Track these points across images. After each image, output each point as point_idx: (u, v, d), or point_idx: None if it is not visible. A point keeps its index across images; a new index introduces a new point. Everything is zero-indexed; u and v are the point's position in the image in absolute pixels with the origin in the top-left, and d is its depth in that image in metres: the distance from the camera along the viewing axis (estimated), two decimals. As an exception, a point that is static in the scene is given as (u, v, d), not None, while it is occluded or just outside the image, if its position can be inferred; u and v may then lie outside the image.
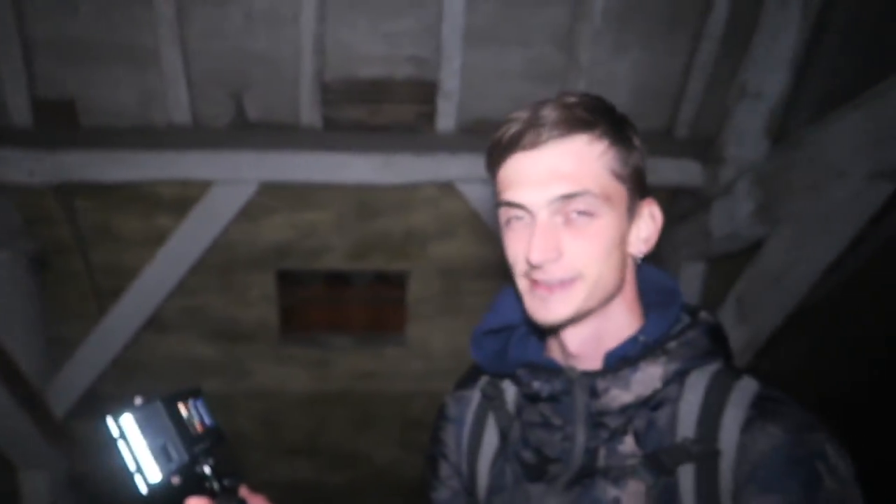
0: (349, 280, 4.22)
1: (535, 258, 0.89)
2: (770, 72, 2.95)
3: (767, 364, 3.74)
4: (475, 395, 1.17)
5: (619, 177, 0.92)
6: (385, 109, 3.37)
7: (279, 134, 3.31)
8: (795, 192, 2.73)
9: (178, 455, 0.96)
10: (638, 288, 1.02)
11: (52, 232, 3.41)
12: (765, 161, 2.98)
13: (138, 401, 0.96)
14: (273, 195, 3.43)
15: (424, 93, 3.34)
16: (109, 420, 0.94)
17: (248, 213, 3.45)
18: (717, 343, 0.96)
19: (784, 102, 3.02)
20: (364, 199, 3.49)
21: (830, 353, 4.42)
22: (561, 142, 0.89)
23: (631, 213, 0.95)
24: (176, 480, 0.96)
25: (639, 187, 0.96)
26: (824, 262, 2.78)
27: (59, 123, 3.13)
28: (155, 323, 3.80)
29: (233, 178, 3.20)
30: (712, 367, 0.95)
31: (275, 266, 3.77)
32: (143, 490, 0.93)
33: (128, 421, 0.94)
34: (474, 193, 3.34)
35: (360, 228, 3.63)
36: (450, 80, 3.20)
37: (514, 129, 0.91)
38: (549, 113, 0.89)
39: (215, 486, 1.03)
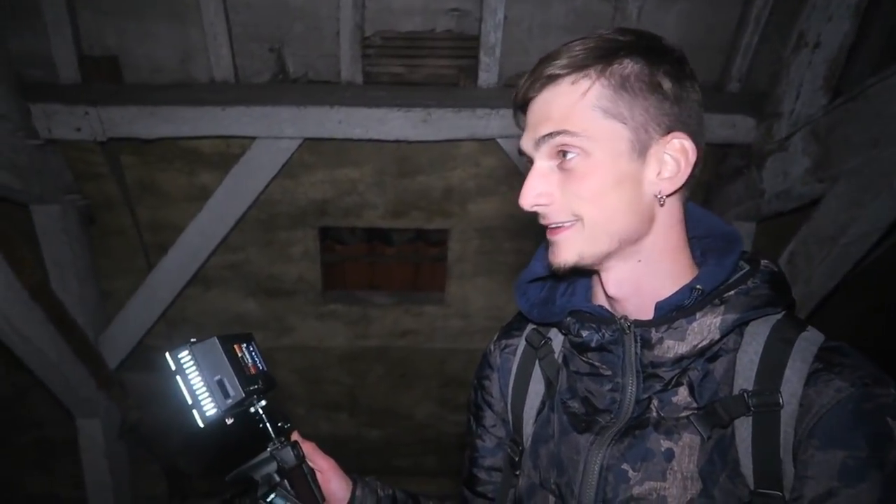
0: (389, 238, 4.23)
1: (521, 202, 0.93)
2: (830, 20, 2.78)
3: (819, 329, 3.62)
4: (521, 344, 1.16)
5: (612, 114, 0.86)
6: (425, 64, 3.32)
7: (320, 89, 3.30)
8: (854, 148, 2.59)
9: (234, 391, 0.98)
10: (688, 234, 0.97)
11: (100, 187, 3.48)
12: (822, 115, 2.83)
13: (193, 339, 0.99)
14: (313, 151, 3.43)
15: (465, 47, 3.27)
16: (168, 356, 0.98)
17: (289, 169, 3.46)
18: (778, 292, 0.91)
19: (844, 53, 2.85)
20: (404, 156, 3.46)
21: (885, 318, 4.26)
22: (549, 88, 0.90)
23: (641, 150, 0.88)
24: (229, 420, 0.98)
25: (655, 122, 0.87)
26: (884, 221, 2.64)
27: (103, 79, 3.17)
28: (200, 278, 3.89)
29: (274, 133, 3.20)
30: (774, 318, 0.91)
31: (316, 223, 3.79)
32: (201, 424, 0.96)
33: (185, 356, 0.97)
34: (516, 150, 3.26)
35: (399, 185, 3.61)
36: (492, 34, 3.12)
37: (519, 87, 0.94)
38: (543, 65, 0.90)
39: (269, 427, 1.05)
